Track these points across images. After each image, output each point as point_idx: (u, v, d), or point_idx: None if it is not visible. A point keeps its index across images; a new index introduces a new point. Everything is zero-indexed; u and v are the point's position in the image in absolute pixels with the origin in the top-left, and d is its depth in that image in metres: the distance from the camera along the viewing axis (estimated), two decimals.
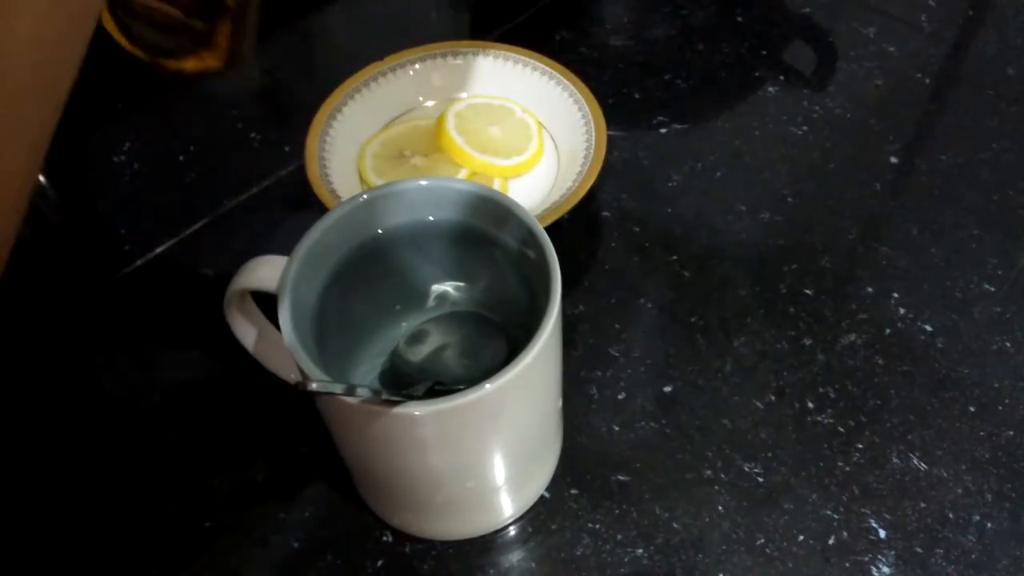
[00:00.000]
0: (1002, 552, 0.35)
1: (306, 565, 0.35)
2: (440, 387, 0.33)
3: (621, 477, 0.37)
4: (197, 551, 0.36)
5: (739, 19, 0.58)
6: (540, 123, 0.49)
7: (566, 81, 0.48)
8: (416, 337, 0.35)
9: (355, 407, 0.28)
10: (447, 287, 0.37)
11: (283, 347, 0.36)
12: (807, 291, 0.43)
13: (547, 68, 0.49)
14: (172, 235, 0.47)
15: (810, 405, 0.39)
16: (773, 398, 0.39)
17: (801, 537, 0.35)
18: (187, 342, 0.42)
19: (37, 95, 0.26)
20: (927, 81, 0.53)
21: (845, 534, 0.35)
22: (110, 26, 0.32)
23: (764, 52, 0.56)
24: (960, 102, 0.52)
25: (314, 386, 0.25)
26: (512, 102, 0.49)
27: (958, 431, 0.38)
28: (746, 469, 0.37)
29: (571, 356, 0.41)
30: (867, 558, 0.35)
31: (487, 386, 0.28)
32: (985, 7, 0.58)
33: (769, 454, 0.37)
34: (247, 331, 0.36)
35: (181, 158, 0.50)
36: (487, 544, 0.36)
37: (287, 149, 0.50)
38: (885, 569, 0.34)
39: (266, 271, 0.31)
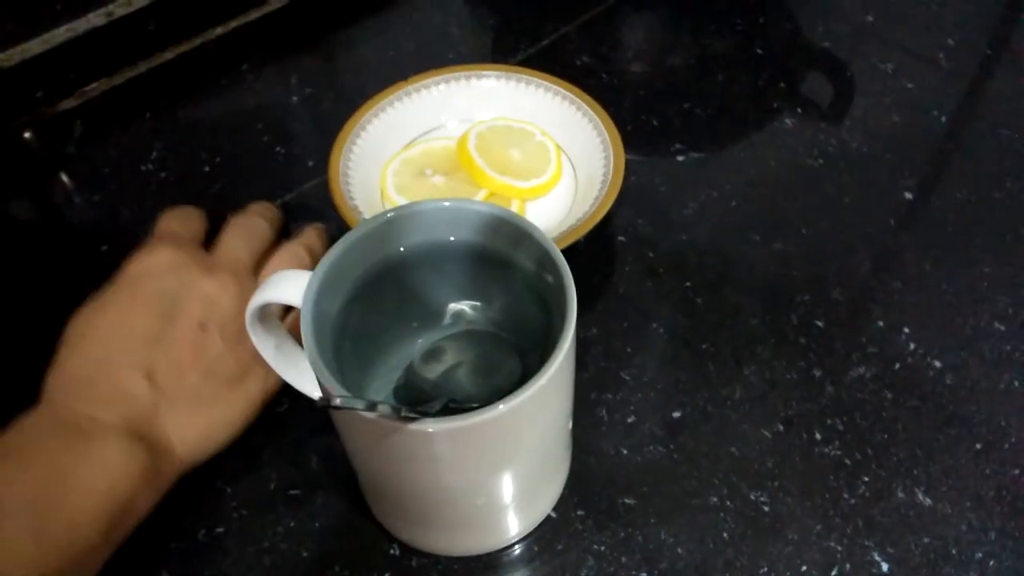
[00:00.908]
0: None
1: (314, 575, 0.36)
2: (454, 404, 0.33)
3: (628, 500, 0.38)
4: (208, 557, 0.36)
5: (758, 50, 0.59)
6: (559, 147, 0.50)
7: (586, 106, 0.49)
8: (432, 354, 0.36)
9: (372, 422, 0.29)
10: (463, 306, 0.37)
11: (301, 360, 0.38)
12: (818, 322, 0.43)
13: (568, 93, 0.50)
14: None
15: (818, 436, 0.39)
16: (781, 428, 0.40)
17: (804, 567, 0.35)
18: None
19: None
20: (943, 119, 0.54)
21: (848, 566, 0.36)
22: None
23: (782, 84, 0.56)
24: (976, 141, 0.52)
25: (337, 402, 0.26)
26: (532, 125, 0.50)
27: (964, 468, 0.39)
28: (752, 498, 0.37)
29: (582, 378, 0.41)
30: None
31: (501, 407, 0.29)
32: (1002, 48, 0.58)
33: (775, 483, 0.38)
34: (267, 343, 0.36)
35: (207, 168, 0.51)
36: (493, 561, 0.36)
37: (310, 164, 0.51)
38: None
39: (289, 286, 0.32)
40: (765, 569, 0.35)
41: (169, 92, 0.57)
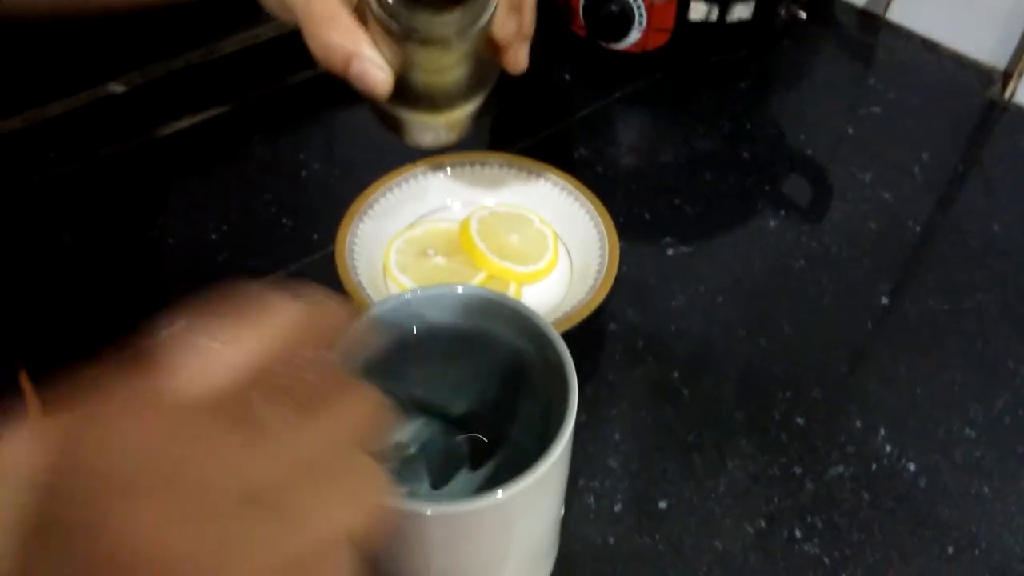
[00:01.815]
0: None
1: None
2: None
3: None
4: None
5: (744, 153, 0.62)
6: (556, 234, 0.52)
7: (583, 197, 0.51)
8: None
9: None
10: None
11: None
12: (799, 420, 0.45)
13: (567, 184, 0.52)
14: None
15: (798, 534, 0.41)
16: (763, 524, 0.41)
17: None
18: None
19: None
20: (918, 229, 0.57)
21: None
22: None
23: (767, 186, 0.59)
24: (948, 251, 0.56)
25: None
26: (532, 212, 0.52)
27: (936, 571, 0.40)
28: None
29: (570, 464, 0.42)
30: None
31: (500, 494, 0.30)
32: (972, 163, 0.62)
33: None
34: None
35: (213, 236, 0.53)
36: None
37: (315, 237, 0.53)
38: None
39: None
40: None
41: (179, 160, 0.58)
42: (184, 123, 0.60)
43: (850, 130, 0.64)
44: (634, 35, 0.64)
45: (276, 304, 0.23)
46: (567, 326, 0.44)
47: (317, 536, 0.20)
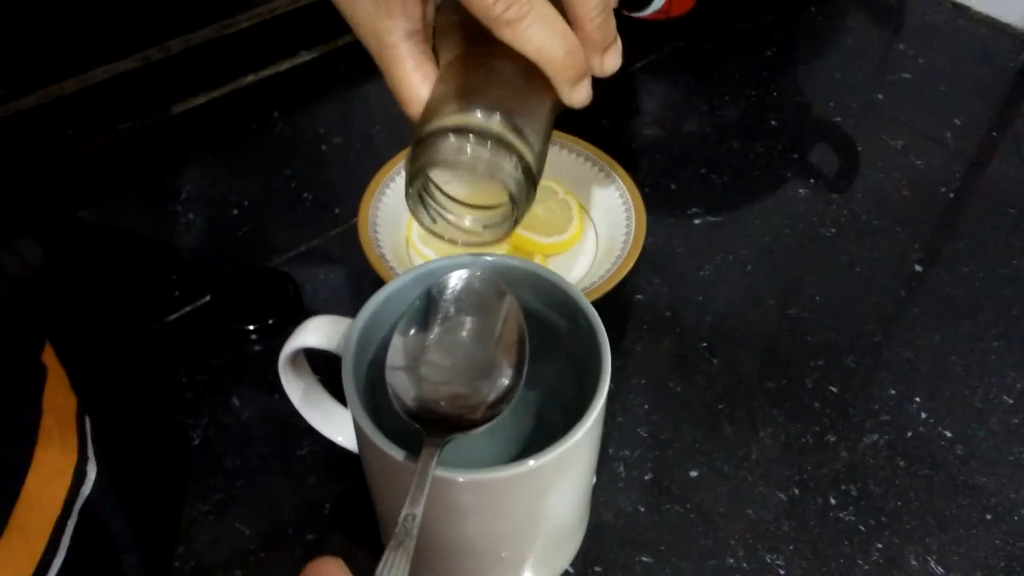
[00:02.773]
0: None
1: None
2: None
3: (645, 558, 0.38)
4: None
5: (772, 122, 0.61)
6: (581, 206, 0.51)
7: (608, 167, 0.51)
8: None
9: (403, 467, 0.29)
10: None
11: (327, 405, 0.38)
12: (832, 388, 0.44)
13: (591, 154, 0.51)
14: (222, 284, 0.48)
15: (832, 501, 0.40)
16: (797, 491, 0.40)
17: None
18: (227, 389, 0.44)
19: None
20: (951, 195, 0.55)
21: None
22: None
23: (795, 155, 0.58)
24: (982, 217, 0.54)
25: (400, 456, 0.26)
26: (556, 183, 0.52)
27: (974, 538, 0.39)
28: (768, 560, 0.38)
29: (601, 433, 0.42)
30: None
31: (531, 462, 0.29)
32: (1006, 129, 0.60)
33: (791, 547, 0.38)
34: (296, 386, 0.37)
35: (235, 212, 0.53)
36: None
37: (337, 211, 0.53)
38: None
39: (328, 332, 0.33)
40: None
41: (199, 136, 0.58)
42: (202, 99, 0.60)
43: (880, 96, 0.63)
44: (657, 2, 0.63)
45: None
46: (593, 297, 0.43)
47: None
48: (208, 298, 0.47)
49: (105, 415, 0.43)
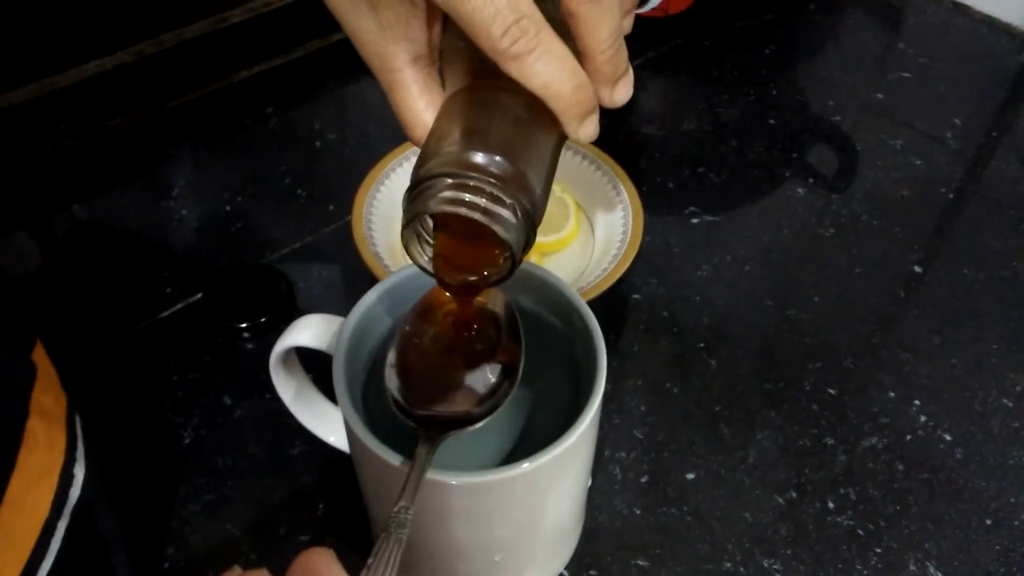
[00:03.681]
0: None
1: None
2: None
3: (641, 562, 0.37)
4: None
5: (771, 121, 0.60)
6: (578, 204, 0.50)
7: (605, 166, 0.50)
8: None
9: (395, 469, 0.29)
10: None
11: (319, 405, 0.37)
12: (830, 390, 0.44)
13: (588, 152, 0.51)
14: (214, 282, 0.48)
15: (831, 505, 0.39)
16: (794, 495, 0.40)
17: None
18: (219, 387, 0.43)
19: None
20: (950, 196, 0.55)
21: None
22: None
23: (794, 154, 0.58)
24: (982, 218, 0.54)
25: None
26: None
27: (974, 543, 0.39)
28: (765, 565, 0.37)
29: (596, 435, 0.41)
30: None
31: (526, 465, 0.29)
32: (1006, 129, 0.60)
33: (788, 551, 0.38)
34: (287, 385, 0.36)
35: (228, 208, 0.52)
36: None
37: (331, 208, 0.52)
38: None
39: (319, 331, 0.32)
40: None
41: (193, 131, 0.57)
42: (196, 94, 0.59)
43: (879, 96, 0.62)
44: None
45: None
46: (589, 297, 0.43)
47: None
48: (200, 295, 0.47)
49: (95, 413, 0.42)
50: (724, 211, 0.54)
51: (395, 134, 0.51)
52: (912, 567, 0.38)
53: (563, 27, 0.28)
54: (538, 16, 0.26)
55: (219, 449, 0.41)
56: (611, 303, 0.48)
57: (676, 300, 0.48)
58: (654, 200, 0.53)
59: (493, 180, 0.27)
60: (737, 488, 0.40)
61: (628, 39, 0.34)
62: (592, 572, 0.37)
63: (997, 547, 0.39)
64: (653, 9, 0.63)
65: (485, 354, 0.32)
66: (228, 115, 0.58)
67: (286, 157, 0.55)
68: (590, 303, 0.42)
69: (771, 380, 0.44)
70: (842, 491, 0.40)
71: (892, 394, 0.44)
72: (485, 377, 0.31)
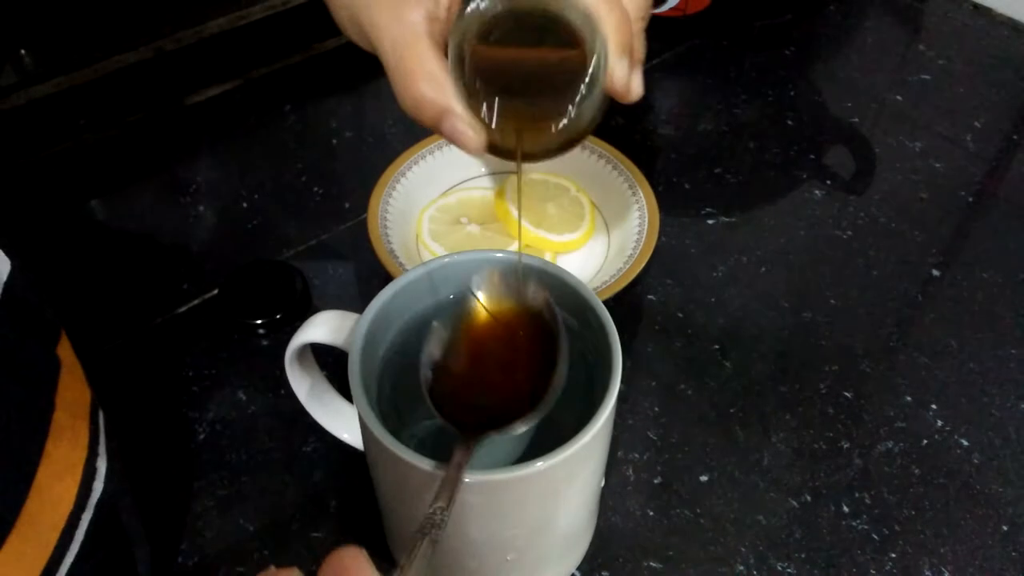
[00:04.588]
0: None
1: None
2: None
3: (653, 564, 0.37)
4: None
5: (789, 122, 0.60)
6: (593, 204, 0.50)
7: (622, 166, 0.50)
8: None
9: (409, 467, 0.29)
10: None
11: (333, 402, 0.38)
12: (847, 394, 0.44)
13: (605, 152, 0.51)
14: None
15: (845, 509, 0.39)
16: (809, 498, 0.39)
17: None
18: (234, 383, 0.43)
19: None
20: (970, 199, 0.54)
21: None
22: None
23: (812, 156, 0.57)
24: (1002, 222, 0.53)
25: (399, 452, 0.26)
26: (568, 181, 0.51)
27: (990, 549, 0.38)
28: (779, 568, 0.37)
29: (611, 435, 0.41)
30: None
31: (540, 464, 0.29)
32: None
33: (802, 555, 0.38)
34: (302, 381, 0.37)
35: (245, 205, 0.52)
36: None
37: (347, 205, 0.52)
38: None
39: (335, 327, 0.32)
40: None
41: (210, 127, 0.58)
42: (214, 90, 0.59)
43: (898, 97, 0.62)
44: None
45: None
46: (604, 296, 0.43)
47: None
48: (216, 292, 0.47)
49: (111, 408, 0.43)
50: (741, 212, 0.53)
51: (411, 132, 0.51)
52: (927, 572, 0.37)
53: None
54: None
55: (233, 445, 0.41)
56: (626, 303, 0.47)
57: (691, 301, 0.48)
58: (670, 200, 0.53)
59: None
60: (751, 491, 0.40)
61: (647, 37, 0.35)
62: (604, 573, 0.37)
63: (1014, 553, 0.38)
64: (671, 9, 0.63)
65: (526, 355, 0.32)
66: (246, 112, 0.59)
67: (303, 154, 0.56)
68: (605, 303, 0.42)
69: (786, 382, 0.44)
70: (857, 495, 0.40)
71: (909, 398, 0.44)
72: (526, 378, 0.31)
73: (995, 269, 0.50)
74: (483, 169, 0.52)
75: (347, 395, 0.36)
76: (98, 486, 0.31)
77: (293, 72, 0.62)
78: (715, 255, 0.51)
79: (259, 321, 0.45)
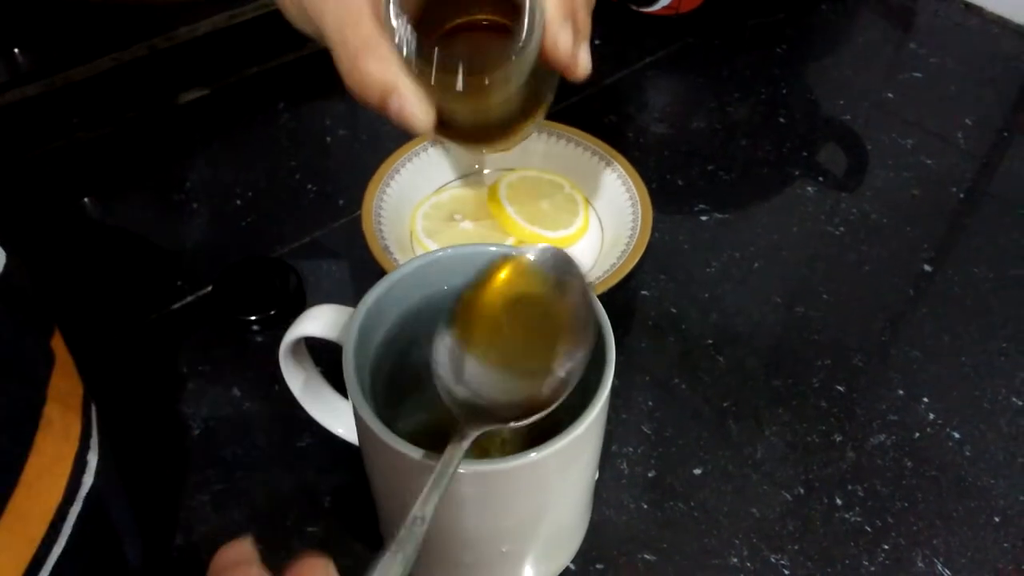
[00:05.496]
0: None
1: None
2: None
3: (647, 556, 0.37)
4: None
5: (781, 120, 0.60)
6: (587, 200, 0.50)
7: (615, 162, 0.50)
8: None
9: (404, 458, 0.29)
10: None
11: (328, 396, 0.38)
12: (839, 387, 0.44)
13: (597, 148, 0.51)
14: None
15: (838, 501, 0.39)
16: (802, 491, 0.40)
17: None
18: (228, 380, 0.43)
19: None
20: (961, 195, 0.55)
21: None
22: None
23: (804, 153, 0.58)
24: (992, 218, 0.54)
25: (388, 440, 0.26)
26: (562, 177, 0.51)
27: (982, 540, 0.39)
28: (772, 560, 0.37)
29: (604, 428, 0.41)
30: None
31: (533, 454, 0.29)
32: (1017, 130, 0.60)
33: (796, 547, 0.38)
34: (296, 376, 0.37)
35: (238, 202, 0.52)
36: None
37: (341, 203, 0.52)
38: None
39: (330, 320, 0.32)
40: None
41: (203, 125, 0.58)
42: (208, 88, 0.60)
43: (890, 95, 0.62)
44: None
45: None
46: (598, 292, 0.43)
47: None
48: (210, 288, 0.47)
49: (105, 404, 0.43)
50: (734, 209, 0.54)
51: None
52: (920, 564, 0.38)
53: None
54: None
55: (228, 440, 0.41)
56: (619, 299, 0.48)
57: (685, 297, 0.48)
58: (663, 197, 0.53)
59: None
60: (744, 484, 0.40)
61: (639, 36, 0.35)
62: (599, 566, 0.37)
63: (1005, 544, 0.38)
64: (664, 7, 0.63)
65: (543, 346, 0.31)
66: (240, 110, 0.59)
67: (297, 152, 0.56)
68: (599, 299, 0.42)
69: (779, 377, 0.44)
70: (850, 488, 0.40)
71: (901, 392, 0.44)
72: (542, 372, 0.30)
73: (986, 264, 0.50)
74: (475, 166, 0.52)
75: (341, 391, 0.36)
76: (88, 479, 0.31)
77: (287, 70, 0.62)
78: (708, 251, 0.51)
79: (253, 317, 0.45)
